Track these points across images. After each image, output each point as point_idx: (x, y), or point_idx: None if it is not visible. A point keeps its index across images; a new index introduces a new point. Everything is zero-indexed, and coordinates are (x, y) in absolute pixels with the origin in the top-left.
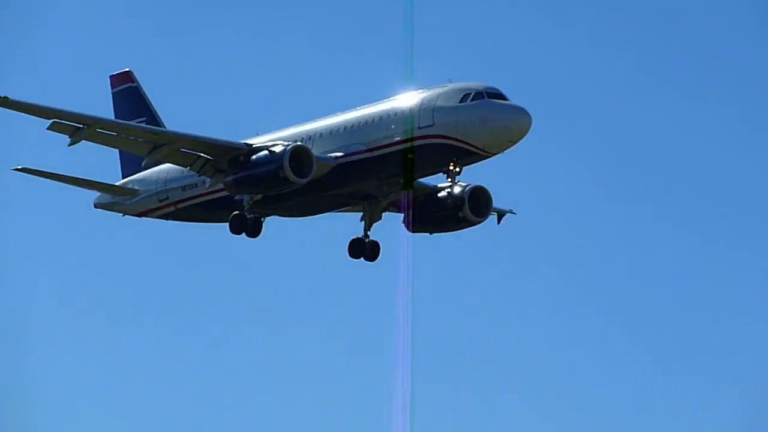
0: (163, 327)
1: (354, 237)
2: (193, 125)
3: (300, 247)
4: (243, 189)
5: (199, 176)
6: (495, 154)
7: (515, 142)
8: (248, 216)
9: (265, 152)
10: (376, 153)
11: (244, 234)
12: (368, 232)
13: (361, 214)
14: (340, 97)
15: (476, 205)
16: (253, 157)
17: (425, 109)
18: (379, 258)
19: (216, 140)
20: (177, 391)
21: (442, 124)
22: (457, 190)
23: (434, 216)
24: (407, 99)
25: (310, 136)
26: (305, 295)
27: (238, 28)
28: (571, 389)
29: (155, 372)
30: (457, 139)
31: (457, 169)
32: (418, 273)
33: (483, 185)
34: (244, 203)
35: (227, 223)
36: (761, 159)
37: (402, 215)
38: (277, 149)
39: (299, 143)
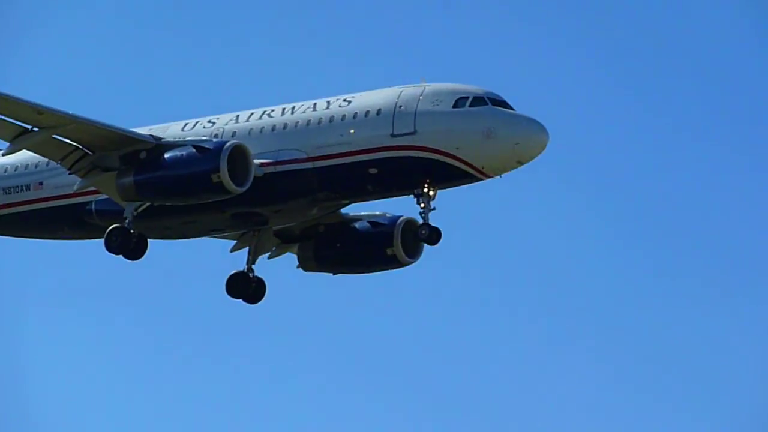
0: None
1: (235, 271)
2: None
3: (175, 276)
4: (147, 195)
5: (70, 174)
6: (491, 177)
7: (523, 164)
8: (132, 231)
9: (190, 149)
10: (320, 164)
11: (122, 254)
12: (253, 266)
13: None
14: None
15: (410, 242)
16: (169, 154)
17: (403, 113)
18: (262, 300)
19: (116, 128)
20: None
21: (428, 133)
22: (382, 221)
23: (349, 252)
24: (373, 96)
25: (217, 135)
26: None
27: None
28: None
29: None
30: (447, 154)
31: (432, 193)
32: (312, 321)
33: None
34: (126, 214)
35: (100, 239)
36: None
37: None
38: (208, 146)
39: (236, 141)
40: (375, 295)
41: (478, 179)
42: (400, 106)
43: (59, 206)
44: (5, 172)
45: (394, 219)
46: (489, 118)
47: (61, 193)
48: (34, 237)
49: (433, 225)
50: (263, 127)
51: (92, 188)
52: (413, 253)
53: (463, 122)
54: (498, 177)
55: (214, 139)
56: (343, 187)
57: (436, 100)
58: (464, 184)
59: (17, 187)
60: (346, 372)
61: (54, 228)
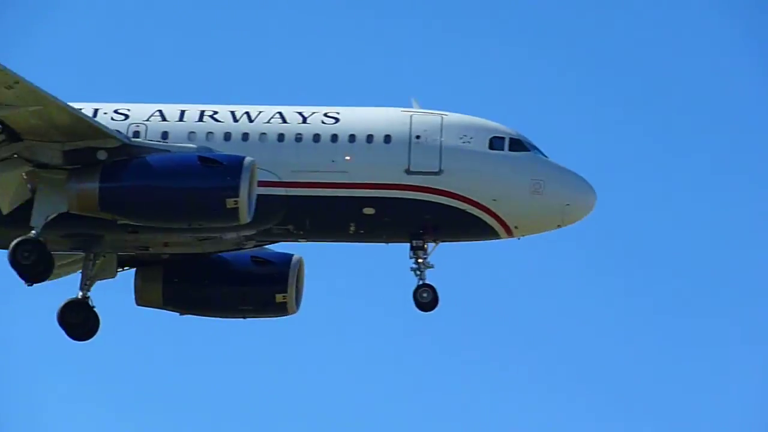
0: None
1: (70, 299)
2: None
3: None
4: (114, 209)
5: None
6: (514, 238)
7: (562, 227)
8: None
9: (189, 158)
10: (295, 192)
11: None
12: (88, 293)
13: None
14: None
15: (299, 290)
16: (155, 159)
17: (423, 145)
18: (94, 336)
19: (80, 114)
20: None
21: (458, 177)
22: (266, 257)
23: (220, 292)
24: (368, 115)
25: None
26: None
27: None
28: None
29: None
30: (478, 205)
31: (435, 243)
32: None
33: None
34: (35, 222)
35: None
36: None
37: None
38: (217, 158)
39: (251, 158)
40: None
41: (497, 238)
42: (418, 136)
43: None
44: None
45: (284, 257)
46: (537, 169)
47: None
48: None
49: (432, 285)
50: (235, 132)
51: None
52: (298, 303)
53: (506, 170)
54: (518, 239)
55: (219, 151)
56: (317, 223)
57: (465, 135)
58: (476, 240)
59: None
60: None
61: None
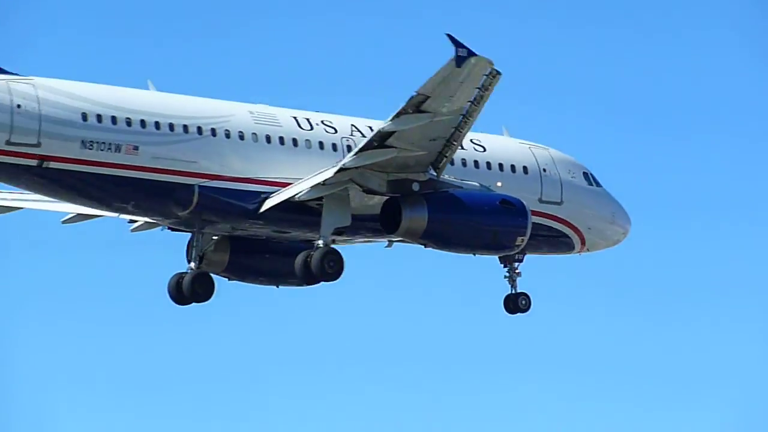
0: None
1: (193, 272)
2: None
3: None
4: (434, 237)
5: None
6: (571, 254)
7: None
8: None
9: (492, 199)
10: None
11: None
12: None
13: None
14: None
15: None
16: (467, 196)
17: (549, 178)
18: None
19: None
20: None
21: (571, 207)
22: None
23: (276, 264)
24: (502, 145)
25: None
26: None
27: None
28: None
29: None
30: (577, 231)
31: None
32: None
33: None
34: (324, 233)
35: None
36: None
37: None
38: (513, 201)
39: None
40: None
41: (569, 254)
42: (544, 169)
43: (152, 180)
44: (86, 120)
45: None
46: (613, 203)
47: (160, 167)
48: (88, 205)
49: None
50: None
51: (197, 170)
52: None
53: (598, 203)
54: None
55: (506, 194)
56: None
57: (570, 171)
58: (555, 254)
59: (103, 143)
60: None
61: (124, 200)
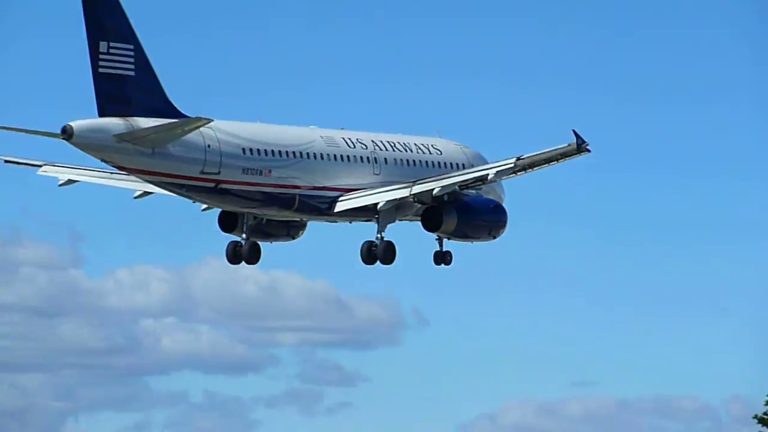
0: None
1: (249, 241)
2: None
3: None
4: (459, 233)
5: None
6: None
7: None
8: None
9: (490, 203)
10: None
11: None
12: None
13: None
14: None
15: None
16: (477, 201)
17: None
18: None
19: None
20: None
21: (492, 195)
22: None
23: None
24: (448, 147)
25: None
26: None
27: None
28: None
29: None
30: None
31: None
32: None
33: None
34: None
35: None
36: None
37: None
38: (500, 203)
39: None
40: None
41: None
42: (472, 165)
43: (277, 192)
44: (245, 153)
45: None
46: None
47: (283, 182)
48: (247, 210)
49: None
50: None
51: (298, 183)
52: None
53: (501, 190)
54: None
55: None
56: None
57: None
58: None
59: (254, 169)
60: None
61: (266, 206)
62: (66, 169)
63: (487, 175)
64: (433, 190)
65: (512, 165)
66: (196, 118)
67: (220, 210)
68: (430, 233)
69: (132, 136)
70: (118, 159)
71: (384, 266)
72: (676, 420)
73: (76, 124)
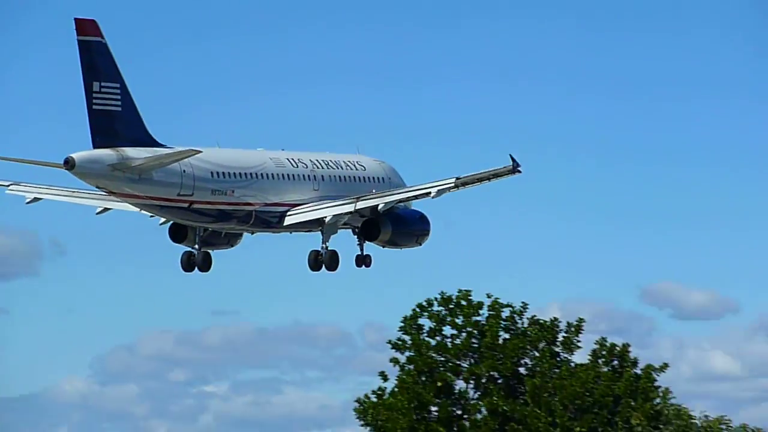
0: None
1: (199, 250)
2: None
3: None
4: (393, 242)
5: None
6: None
7: None
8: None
9: (415, 214)
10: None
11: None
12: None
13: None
14: None
15: None
16: (403, 214)
17: (395, 184)
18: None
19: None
20: None
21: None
22: None
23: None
24: (369, 163)
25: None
26: None
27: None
28: None
29: None
30: None
31: None
32: None
33: None
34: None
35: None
36: None
37: None
38: (424, 214)
39: None
40: None
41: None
42: (390, 178)
43: (239, 209)
44: (213, 176)
45: None
46: None
47: (242, 201)
48: (209, 225)
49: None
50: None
51: (255, 201)
52: None
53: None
54: None
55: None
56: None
57: (397, 176)
58: None
59: (219, 190)
60: None
61: (226, 221)
62: (32, 188)
63: (429, 192)
64: (378, 205)
65: (452, 184)
66: (188, 149)
67: (170, 223)
68: (368, 240)
69: (123, 166)
70: (111, 185)
71: (329, 273)
72: None
73: (77, 156)
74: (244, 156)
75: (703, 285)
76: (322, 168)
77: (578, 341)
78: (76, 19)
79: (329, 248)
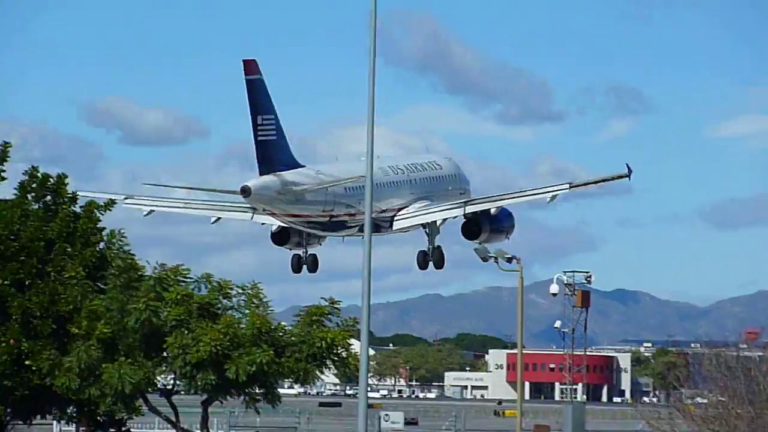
0: None
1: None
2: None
3: None
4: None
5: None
6: None
7: None
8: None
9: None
10: None
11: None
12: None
13: None
14: None
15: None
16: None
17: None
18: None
19: None
20: None
21: None
22: None
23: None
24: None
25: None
26: None
27: None
28: None
29: None
30: None
31: None
32: None
33: None
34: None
35: None
36: None
37: None
38: (508, 212)
39: None
40: None
41: None
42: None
43: (358, 218)
44: (346, 191)
45: None
46: None
47: (352, 211)
48: (334, 234)
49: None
50: None
51: (361, 209)
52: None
53: None
54: None
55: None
56: None
57: None
58: None
59: (350, 204)
60: None
61: (350, 229)
62: (146, 200)
63: (546, 198)
64: (490, 210)
65: (567, 189)
66: (358, 176)
67: (273, 228)
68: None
69: (287, 191)
70: (276, 208)
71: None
72: None
73: (252, 184)
74: (359, 169)
75: None
76: (414, 172)
77: (2, 171)
78: (244, 61)
79: (436, 246)
